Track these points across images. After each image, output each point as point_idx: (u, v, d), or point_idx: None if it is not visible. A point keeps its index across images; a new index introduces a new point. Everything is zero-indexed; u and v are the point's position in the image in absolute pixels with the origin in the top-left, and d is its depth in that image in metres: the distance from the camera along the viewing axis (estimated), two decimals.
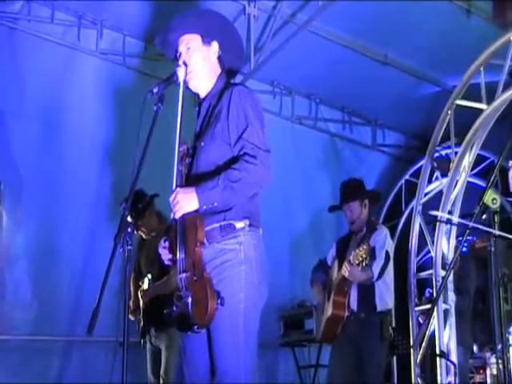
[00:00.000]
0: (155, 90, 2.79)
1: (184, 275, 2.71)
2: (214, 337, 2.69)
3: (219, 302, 2.61)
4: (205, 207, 2.71)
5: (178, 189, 2.76)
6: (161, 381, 4.60)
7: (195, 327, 2.64)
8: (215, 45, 3.02)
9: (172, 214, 2.80)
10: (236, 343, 2.68)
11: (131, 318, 4.71)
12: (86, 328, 2.37)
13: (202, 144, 2.87)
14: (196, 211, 2.72)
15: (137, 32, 6.16)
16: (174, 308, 2.72)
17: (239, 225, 2.77)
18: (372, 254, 4.51)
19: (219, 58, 3.04)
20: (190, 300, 2.65)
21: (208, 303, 2.59)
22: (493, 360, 4.31)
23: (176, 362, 2.91)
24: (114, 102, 5.99)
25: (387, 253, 4.73)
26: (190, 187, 2.75)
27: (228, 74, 3.08)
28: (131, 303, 4.80)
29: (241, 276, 2.72)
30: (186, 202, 2.71)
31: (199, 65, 2.96)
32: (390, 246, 4.87)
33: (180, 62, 2.94)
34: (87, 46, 6.04)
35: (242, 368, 2.67)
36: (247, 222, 2.79)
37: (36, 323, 5.37)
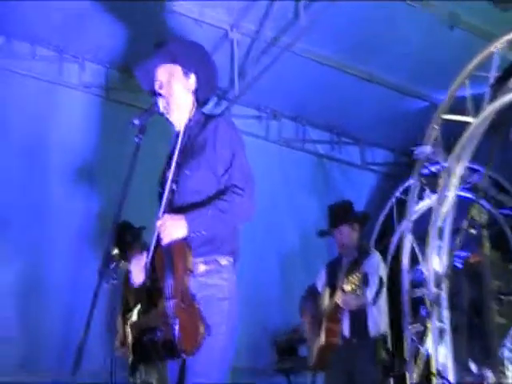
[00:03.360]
0: (136, 122, 2.82)
1: (172, 302, 2.73)
2: (190, 365, 2.73)
3: (206, 332, 2.64)
4: (193, 234, 2.75)
5: (167, 215, 2.79)
6: None
7: (183, 354, 2.65)
8: (193, 77, 3.06)
9: (154, 240, 2.82)
10: (210, 374, 2.72)
11: (119, 353, 4.67)
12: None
13: (187, 173, 2.90)
14: (184, 239, 2.75)
15: (118, 64, 6.25)
16: (158, 333, 2.74)
17: (223, 262, 2.85)
18: (365, 280, 4.52)
19: (196, 90, 3.08)
20: (177, 327, 2.66)
21: (198, 330, 2.62)
22: (490, 376, 4.33)
23: None
24: (98, 133, 6.07)
25: (380, 278, 4.77)
26: (178, 214, 2.78)
27: (202, 103, 3.15)
28: (118, 340, 4.79)
29: (224, 311, 2.79)
30: (174, 228, 2.74)
31: (181, 96, 3.01)
32: (383, 270, 4.91)
33: (162, 92, 2.97)
34: (69, 80, 6.14)
35: None
36: (231, 259, 2.87)
37: (23, 360, 5.34)
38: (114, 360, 2.55)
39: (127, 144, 2.82)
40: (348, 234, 4.97)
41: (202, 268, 2.81)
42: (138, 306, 4.64)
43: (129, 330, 4.66)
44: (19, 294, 5.48)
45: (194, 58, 3.07)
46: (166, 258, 2.79)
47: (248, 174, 2.88)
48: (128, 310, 4.78)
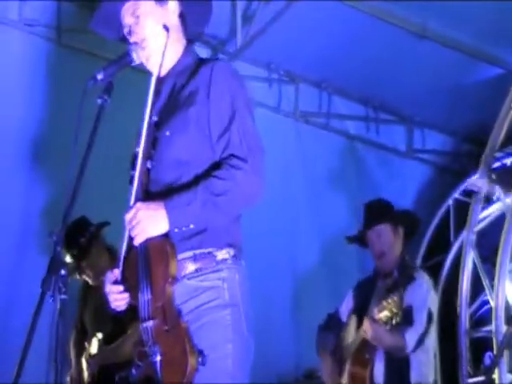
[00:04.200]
0: (100, 77, 2.82)
1: (151, 324, 2.72)
2: None
3: (200, 360, 2.60)
4: (177, 230, 2.73)
5: (139, 204, 2.76)
6: None
7: None
8: (172, 3, 3.07)
9: (125, 240, 2.82)
10: None
11: None
12: None
13: (168, 133, 2.89)
14: (164, 235, 2.74)
15: None
16: (134, 371, 2.71)
17: (221, 255, 2.80)
18: (407, 314, 4.55)
19: (181, 18, 3.10)
20: (158, 358, 2.65)
21: (186, 362, 2.58)
22: None
23: None
24: (46, 89, 6.03)
25: (430, 314, 4.76)
26: (155, 202, 2.76)
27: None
28: (71, 376, 4.82)
29: (226, 323, 2.74)
30: (150, 222, 2.73)
31: (157, 35, 3.00)
32: (434, 302, 4.89)
33: (133, 39, 2.98)
34: (7, 16, 6.09)
35: None
36: (232, 251, 2.83)
37: None
38: None
39: (86, 107, 2.74)
40: (389, 238, 4.97)
41: (191, 267, 2.78)
42: (99, 334, 4.69)
43: (85, 365, 4.72)
44: None
45: None
46: (140, 265, 2.77)
47: (254, 140, 2.85)
48: (84, 337, 4.80)
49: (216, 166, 2.81)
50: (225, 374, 2.69)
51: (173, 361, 2.62)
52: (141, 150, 2.86)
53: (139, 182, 2.85)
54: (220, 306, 2.75)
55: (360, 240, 5.19)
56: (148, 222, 2.72)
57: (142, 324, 2.73)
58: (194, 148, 2.85)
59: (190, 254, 2.78)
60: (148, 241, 2.75)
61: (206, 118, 2.85)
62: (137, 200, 2.81)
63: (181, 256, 2.76)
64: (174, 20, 3.07)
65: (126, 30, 3.03)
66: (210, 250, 2.79)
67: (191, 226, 2.74)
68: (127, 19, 3.02)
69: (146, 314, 2.73)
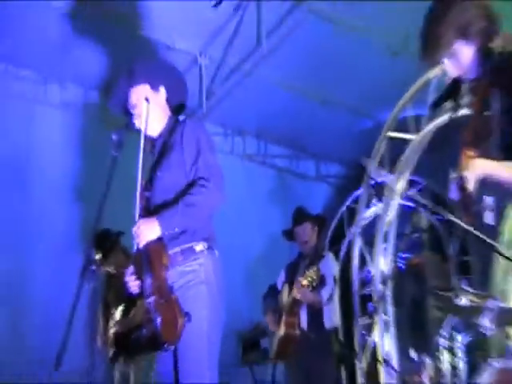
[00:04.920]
0: (114, 137, 2.89)
1: (152, 299, 2.74)
2: (180, 353, 2.70)
3: (186, 319, 2.63)
4: (166, 233, 2.76)
5: (140, 220, 2.82)
6: None
7: (166, 345, 2.65)
8: (162, 89, 3.11)
9: (136, 245, 2.83)
10: (200, 358, 2.71)
11: (100, 349, 4.69)
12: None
13: (159, 174, 2.93)
14: (159, 239, 2.76)
15: (96, 85, 6.26)
16: (144, 331, 2.75)
17: (199, 247, 2.83)
18: (322, 279, 4.61)
19: (167, 100, 3.13)
20: (159, 320, 2.67)
21: (177, 321, 2.61)
22: (428, 362, 4.44)
23: None
24: (79, 148, 6.07)
25: (334, 278, 4.86)
26: (151, 217, 2.80)
27: (177, 109, 3.18)
28: (100, 336, 4.78)
29: (203, 295, 2.77)
30: (148, 230, 2.77)
31: (153, 111, 3.04)
32: (336, 270, 4.99)
33: (136, 112, 3.04)
34: (52, 100, 6.15)
35: (206, 381, 2.70)
36: (206, 244, 2.85)
37: (7, 364, 5.22)
38: (95, 355, 2.56)
39: (106, 158, 2.86)
40: (309, 232, 5.06)
41: (179, 258, 2.81)
42: (120, 307, 4.69)
43: (112, 326, 4.70)
44: (2, 300, 5.39)
45: (160, 73, 3.13)
46: (143, 260, 2.80)
47: (213, 166, 2.85)
48: (108, 311, 4.79)
49: (190, 185, 2.83)
50: (201, 331, 2.71)
51: (168, 322, 2.65)
52: (138, 186, 2.91)
53: (140, 206, 2.91)
54: (198, 283, 2.79)
55: (290, 234, 5.23)
56: (146, 231, 2.77)
57: (147, 300, 2.77)
58: (175, 181, 2.89)
59: (177, 249, 2.82)
60: (148, 244, 2.78)
61: (182, 160, 2.88)
62: (139, 217, 2.87)
63: (172, 251, 2.81)
64: (162, 102, 3.13)
65: (132, 106, 3.06)
66: (190, 244, 2.83)
67: (176, 229, 2.79)
68: (134, 98, 3.06)
69: (149, 292, 2.77)
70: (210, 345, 2.73)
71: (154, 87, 3.09)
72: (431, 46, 2.07)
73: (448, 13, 2.01)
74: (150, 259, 2.78)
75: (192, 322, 2.64)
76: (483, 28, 1.95)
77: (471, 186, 1.79)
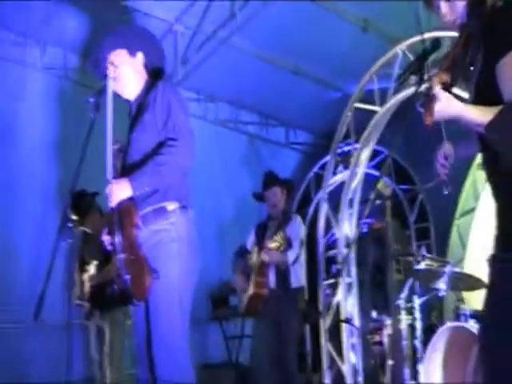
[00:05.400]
0: (91, 100, 2.83)
1: (122, 256, 2.70)
2: (151, 307, 2.68)
3: (155, 276, 2.61)
4: (138, 193, 2.71)
5: (113, 180, 2.76)
6: (104, 357, 4.57)
7: (134, 300, 2.65)
8: (140, 55, 3.05)
9: (109, 204, 2.79)
10: (171, 312, 2.69)
11: (77, 302, 4.64)
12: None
13: (134, 135, 2.88)
14: (131, 198, 2.72)
15: (76, 47, 6.05)
16: (115, 286, 2.71)
17: (171, 207, 2.78)
18: (289, 242, 4.58)
19: (144, 65, 3.08)
20: (128, 277, 2.64)
21: (145, 278, 2.60)
22: (388, 322, 4.52)
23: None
24: (58, 110, 5.89)
25: (301, 241, 4.86)
26: (123, 178, 2.75)
27: (155, 73, 3.11)
28: (77, 290, 4.73)
29: (174, 253, 2.73)
30: (119, 191, 2.72)
31: (128, 76, 3.01)
32: (303, 233, 4.98)
33: (110, 75, 2.97)
34: (33, 62, 5.92)
35: (177, 334, 2.69)
36: (177, 204, 2.79)
37: None
38: (71, 307, 2.53)
39: (84, 120, 2.78)
40: (278, 195, 4.99)
41: (151, 218, 2.76)
42: (95, 262, 4.65)
43: (86, 280, 4.67)
44: None
45: (137, 39, 3.07)
46: (115, 218, 2.75)
47: (183, 127, 2.78)
48: (83, 266, 4.76)
49: (160, 145, 2.78)
50: (172, 287, 2.69)
51: (137, 279, 2.64)
52: (109, 147, 2.83)
53: (114, 167, 2.84)
54: (169, 242, 2.74)
55: (260, 196, 5.19)
56: (118, 191, 2.71)
57: (117, 256, 2.72)
58: (148, 142, 2.83)
59: (149, 208, 2.77)
60: (120, 203, 2.73)
61: (154, 120, 2.82)
62: (114, 177, 2.81)
63: (144, 211, 2.76)
64: (140, 67, 3.07)
65: (108, 69, 2.99)
66: (163, 204, 2.77)
67: (147, 189, 2.73)
68: (111, 62, 2.99)
69: (119, 249, 2.72)
70: (180, 300, 2.72)
71: (132, 52, 3.04)
72: None
73: None
74: (120, 218, 2.74)
75: (163, 279, 2.62)
76: None
77: (438, 98, 1.72)
